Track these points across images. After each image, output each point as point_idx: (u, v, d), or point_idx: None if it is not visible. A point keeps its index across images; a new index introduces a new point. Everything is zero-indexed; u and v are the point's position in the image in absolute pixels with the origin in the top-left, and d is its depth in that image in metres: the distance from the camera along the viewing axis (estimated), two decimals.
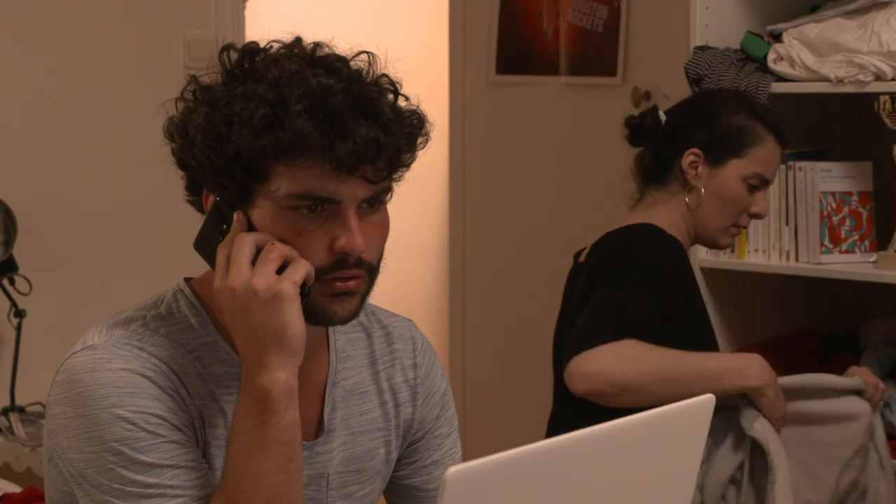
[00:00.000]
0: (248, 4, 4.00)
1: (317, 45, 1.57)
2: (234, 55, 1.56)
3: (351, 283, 1.55)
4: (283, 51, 1.56)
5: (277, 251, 1.51)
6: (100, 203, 3.77)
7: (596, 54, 3.97)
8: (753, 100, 2.80)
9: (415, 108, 1.58)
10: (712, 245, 2.73)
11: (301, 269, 1.51)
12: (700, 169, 2.63)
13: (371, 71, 1.56)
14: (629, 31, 3.89)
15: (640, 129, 2.71)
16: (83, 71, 3.71)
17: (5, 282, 3.45)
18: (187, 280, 1.64)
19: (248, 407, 1.51)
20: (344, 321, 1.58)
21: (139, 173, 3.73)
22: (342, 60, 1.55)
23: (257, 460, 1.50)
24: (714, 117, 2.65)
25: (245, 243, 1.52)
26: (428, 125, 1.59)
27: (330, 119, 1.49)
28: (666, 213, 2.65)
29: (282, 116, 1.49)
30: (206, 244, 1.57)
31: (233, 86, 1.53)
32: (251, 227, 1.54)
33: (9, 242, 3.46)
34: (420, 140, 1.58)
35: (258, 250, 1.52)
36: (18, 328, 3.46)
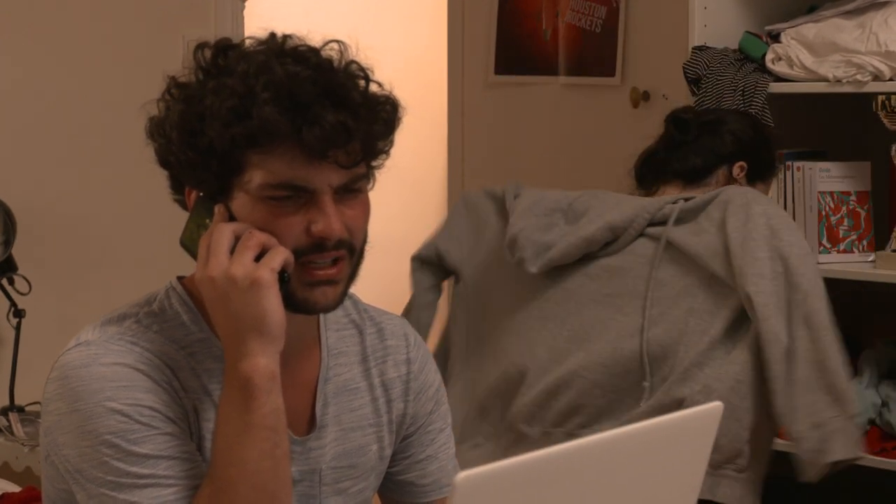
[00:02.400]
0: (247, 5, 4.00)
1: (287, 37, 1.59)
2: (208, 53, 1.58)
3: (332, 271, 1.56)
4: (256, 46, 1.58)
5: (255, 239, 1.52)
6: (99, 203, 3.77)
7: (595, 55, 3.97)
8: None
9: (387, 93, 1.59)
10: None
11: (279, 256, 1.52)
12: (741, 181, 2.70)
13: (341, 59, 1.57)
14: (628, 32, 3.89)
15: (688, 127, 2.73)
16: (82, 72, 3.72)
17: (4, 282, 3.46)
18: (180, 278, 1.65)
19: (231, 394, 1.52)
20: (327, 309, 1.59)
21: (138, 174, 3.71)
22: (312, 50, 1.57)
23: (242, 447, 1.51)
24: (770, 142, 2.78)
25: (224, 233, 1.53)
26: (401, 109, 1.60)
27: (297, 106, 1.51)
28: None
29: (249, 106, 1.51)
30: (191, 240, 1.58)
31: (206, 82, 1.56)
32: (232, 219, 1.56)
33: (8, 242, 3.47)
34: (395, 123, 1.59)
35: (237, 239, 1.53)
36: (18, 328, 3.46)
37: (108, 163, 3.76)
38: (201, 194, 1.58)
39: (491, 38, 4.18)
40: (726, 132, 2.73)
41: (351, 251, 1.57)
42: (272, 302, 1.51)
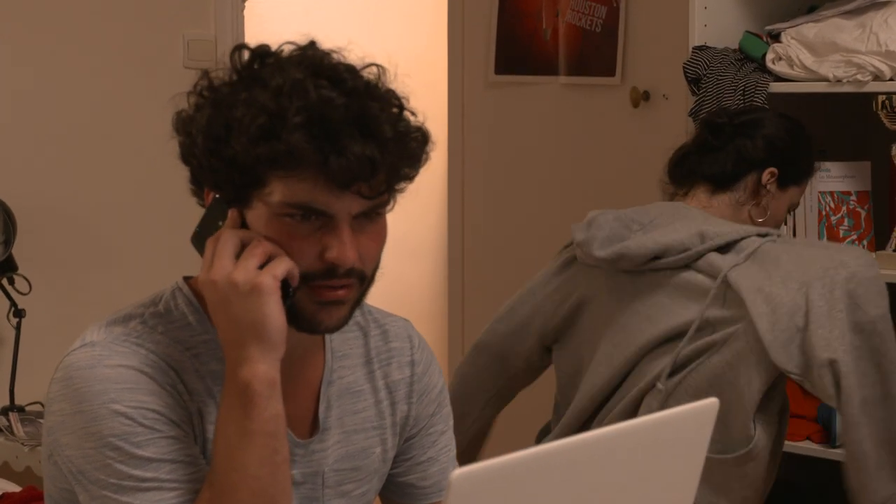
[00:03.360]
0: (247, 5, 4.00)
1: (327, 52, 1.56)
2: (245, 56, 1.56)
3: (340, 293, 1.55)
4: (295, 53, 1.55)
5: (262, 247, 1.52)
6: (99, 203, 3.77)
7: (595, 54, 3.97)
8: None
9: (419, 125, 1.57)
10: None
11: (283, 265, 1.51)
12: (770, 187, 2.66)
13: (378, 84, 1.55)
14: (628, 31, 3.89)
15: (721, 131, 2.70)
16: (83, 70, 3.72)
17: (5, 281, 3.45)
18: (186, 279, 1.65)
19: (231, 400, 1.52)
20: (331, 330, 1.58)
21: (139, 173, 3.73)
22: (350, 71, 1.54)
23: (242, 452, 1.51)
24: (808, 146, 2.73)
25: (230, 238, 1.53)
26: (430, 143, 1.58)
27: (326, 134, 1.49)
28: (734, 221, 2.63)
29: (279, 128, 1.49)
30: (202, 240, 1.58)
31: (238, 89, 1.54)
32: (244, 226, 1.55)
33: (8, 242, 3.46)
34: (424, 158, 1.58)
35: (244, 247, 1.53)
36: (18, 328, 3.46)
37: (108, 162, 3.76)
38: (217, 196, 1.57)
39: (491, 38, 4.18)
40: (760, 137, 2.69)
41: (361, 280, 1.57)
42: (272, 308, 1.51)
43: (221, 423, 1.53)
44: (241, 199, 1.55)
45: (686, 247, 2.49)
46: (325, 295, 1.55)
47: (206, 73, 1.57)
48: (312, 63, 1.54)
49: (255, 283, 1.50)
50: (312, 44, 1.57)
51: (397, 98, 1.56)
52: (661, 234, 2.52)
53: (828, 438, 3.07)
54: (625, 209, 2.66)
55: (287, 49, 1.56)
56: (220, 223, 1.56)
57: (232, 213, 1.55)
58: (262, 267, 1.51)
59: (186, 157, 1.58)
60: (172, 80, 3.57)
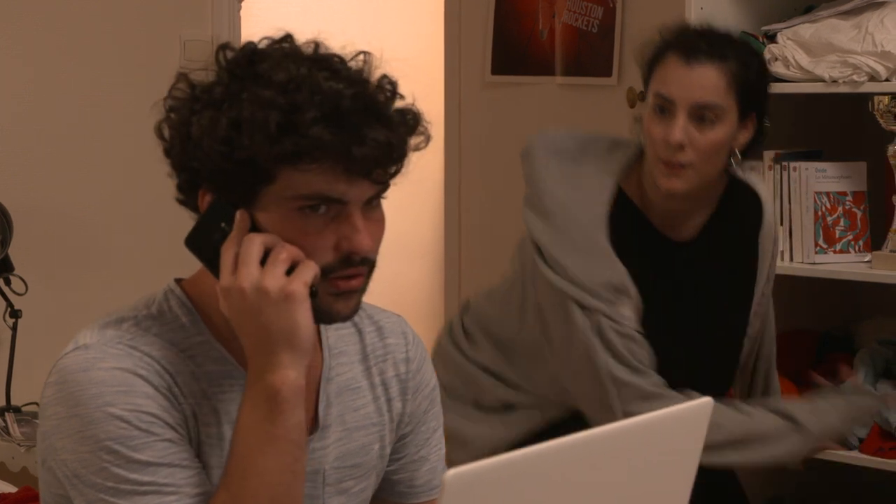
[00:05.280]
0: (243, 5, 4.00)
1: (315, 44, 1.57)
2: (230, 55, 1.56)
3: (354, 282, 1.56)
4: (283, 46, 1.56)
5: (287, 253, 1.52)
6: (96, 203, 3.77)
7: (591, 54, 3.97)
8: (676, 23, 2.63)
9: (412, 106, 1.59)
10: (660, 192, 2.47)
11: (310, 271, 1.52)
12: (638, 106, 2.53)
13: (370, 71, 1.56)
14: (624, 32, 3.89)
15: None
16: (79, 71, 3.72)
17: (1, 282, 3.45)
18: (178, 281, 1.65)
19: (256, 405, 1.51)
20: (346, 318, 1.59)
21: (135, 174, 3.73)
22: (343, 62, 1.56)
23: (265, 458, 1.50)
24: (643, 47, 2.54)
25: (254, 243, 1.52)
26: (425, 123, 1.60)
27: (344, 125, 1.50)
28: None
29: (297, 122, 1.49)
30: (203, 242, 1.56)
31: (234, 87, 1.53)
32: (254, 227, 1.55)
33: (4, 242, 3.46)
34: (421, 139, 1.59)
35: (266, 251, 1.52)
36: (14, 328, 3.46)
37: (105, 163, 3.76)
38: (216, 197, 1.56)
39: (487, 39, 4.18)
40: None
41: (370, 268, 1.58)
42: (305, 316, 1.51)
43: (242, 427, 1.52)
44: (247, 198, 1.54)
45: None
46: (341, 285, 1.56)
47: (184, 76, 1.57)
48: (308, 57, 1.55)
49: (287, 292, 1.50)
50: (289, 36, 1.58)
51: (390, 82, 1.58)
52: None
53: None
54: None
55: (266, 44, 1.56)
56: (223, 225, 1.55)
57: (242, 215, 1.54)
58: (287, 272, 1.51)
59: (184, 161, 1.56)
60: (169, 81, 3.55)
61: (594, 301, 2.41)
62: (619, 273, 2.43)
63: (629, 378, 2.41)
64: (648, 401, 2.38)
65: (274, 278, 1.50)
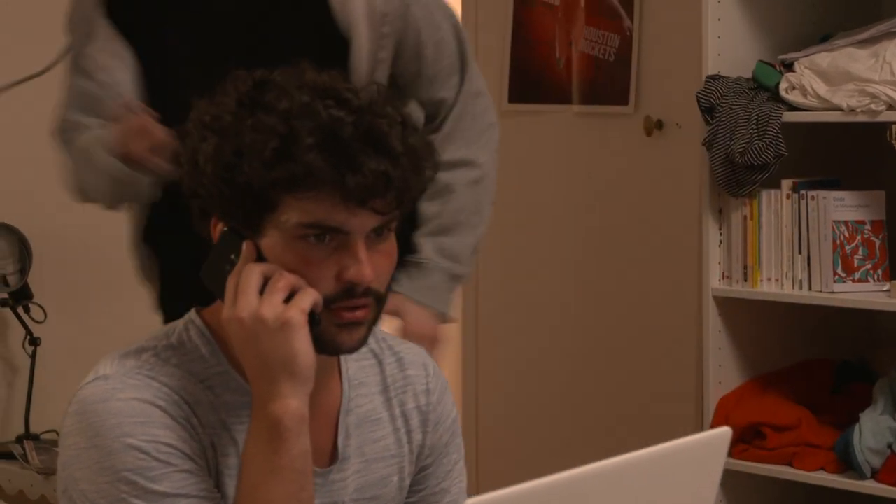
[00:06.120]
0: None
1: (324, 72, 1.58)
2: (243, 84, 1.57)
3: (359, 314, 1.55)
4: (292, 78, 1.57)
5: (285, 280, 1.52)
6: (115, 230, 3.78)
7: (608, 83, 3.98)
8: None
9: (426, 139, 1.59)
10: None
11: (309, 298, 1.51)
12: None
13: (379, 101, 1.56)
14: (641, 60, 3.90)
15: None
16: None
17: (20, 310, 3.47)
18: (198, 310, 1.65)
19: (259, 435, 1.51)
20: (351, 350, 1.59)
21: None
22: (351, 91, 1.56)
23: (268, 488, 1.50)
24: None
25: (253, 273, 1.52)
26: (437, 156, 1.60)
27: (340, 152, 1.50)
28: None
29: (292, 149, 1.50)
30: (215, 275, 1.57)
31: (242, 115, 1.54)
32: (260, 257, 1.55)
33: (24, 270, 3.48)
34: (429, 172, 1.59)
35: (266, 280, 1.53)
36: (33, 356, 3.47)
37: None
38: (227, 228, 1.56)
39: (504, 67, 4.19)
40: None
41: (377, 301, 1.57)
42: (303, 343, 1.51)
43: (248, 458, 1.52)
44: (253, 226, 1.54)
45: None
46: (345, 317, 1.55)
47: (197, 104, 1.57)
48: (315, 85, 1.55)
49: (284, 319, 1.50)
50: (307, 65, 1.58)
51: (400, 114, 1.57)
52: None
53: (843, 469, 3.06)
54: None
55: (281, 78, 1.57)
56: (233, 256, 1.55)
57: (248, 246, 1.55)
58: (287, 300, 1.52)
59: (193, 189, 1.57)
60: None
61: None
62: None
63: None
64: None
65: (271, 306, 1.50)
